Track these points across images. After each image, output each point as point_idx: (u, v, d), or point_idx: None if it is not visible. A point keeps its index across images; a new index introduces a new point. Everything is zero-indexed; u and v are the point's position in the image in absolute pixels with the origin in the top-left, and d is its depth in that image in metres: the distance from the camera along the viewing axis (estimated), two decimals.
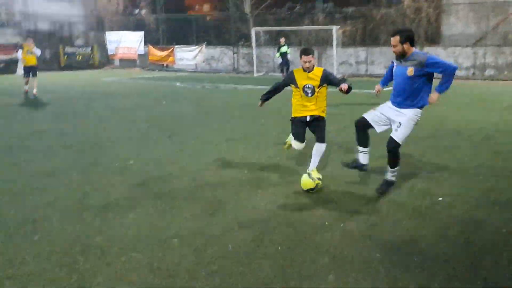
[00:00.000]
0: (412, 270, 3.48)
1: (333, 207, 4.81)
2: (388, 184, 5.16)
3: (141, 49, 29.99)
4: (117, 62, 31.47)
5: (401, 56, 4.87)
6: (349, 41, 24.23)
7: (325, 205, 4.89)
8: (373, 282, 3.31)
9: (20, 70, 24.07)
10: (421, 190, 5.34)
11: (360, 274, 3.43)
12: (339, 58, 23.19)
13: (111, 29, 31.88)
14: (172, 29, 30.14)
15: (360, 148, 5.27)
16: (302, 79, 5.45)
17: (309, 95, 5.41)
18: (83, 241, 4.04)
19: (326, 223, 4.40)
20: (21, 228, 4.33)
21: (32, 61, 14.95)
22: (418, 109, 4.96)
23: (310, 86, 5.39)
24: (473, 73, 21.06)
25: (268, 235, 4.13)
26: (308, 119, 5.49)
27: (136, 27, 31.18)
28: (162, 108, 12.57)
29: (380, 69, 22.87)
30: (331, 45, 22.83)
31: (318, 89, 5.40)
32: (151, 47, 29.32)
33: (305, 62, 5.38)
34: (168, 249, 3.88)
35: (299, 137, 5.49)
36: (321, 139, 5.49)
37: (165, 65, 29.30)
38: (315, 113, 5.47)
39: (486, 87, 17.70)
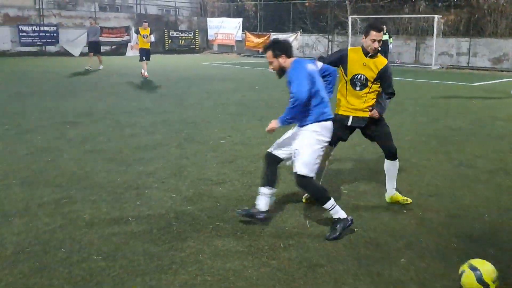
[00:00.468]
0: (487, 260, 3.49)
1: (413, 197, 4.86)
2: (337, 224, 3.91)
3: (239, 35, 30.90)
4: (215, 47, 32.72)
5: (283, 72, 4.02)
6: (451, 31, 22.99)
7: (405, 194, 4.95)
8: (445, 268, 3.39)
9: (130, 52, 26.02)
10: (510, 186, 5.18)
11: (432, 260, 3.52)
12: (439, 48, 22.13)
13: (213, 15, 33.19)
14: (270, 16, 30.66)
15: (262, 189, 4.12)
16: (356, 65, 4.32)
17: (357, 88, 4.35)
18: (177, 208, 4.52)
19: (404, 210, 4.49)
20: (126, 193, 4.93)
21: (147, 45, 16.05)
22: (312, 124, 3.94)
23: (362, 77, 4.29)
24: None
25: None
26: (350, 121, 4.45)
27: (236, 14, 32.16)
28: (255, 93, 13.03)
29: (483, 62, 21.50)
30: (431, 34, 21.86)
31: (371, 84, 4.32)
32: (248, 34, 30.12)
33: (374, 41, 4.24)
34: (251, 221, 4.22)
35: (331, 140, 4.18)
36: (390, 154, 4.46)
37: (260, 51, 29.93)
38: (362, 114, 4.40)
39: None
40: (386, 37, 19.97)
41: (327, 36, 27.25)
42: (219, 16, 32.91)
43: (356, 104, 4.40)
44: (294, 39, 27.79)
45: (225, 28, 31.52)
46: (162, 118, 8.96)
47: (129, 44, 27.26)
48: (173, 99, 11.52)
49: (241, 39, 30.80)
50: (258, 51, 29.93)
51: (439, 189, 5.11)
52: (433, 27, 21.62)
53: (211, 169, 5.79)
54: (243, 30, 30.71)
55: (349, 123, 4.47)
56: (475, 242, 3.83)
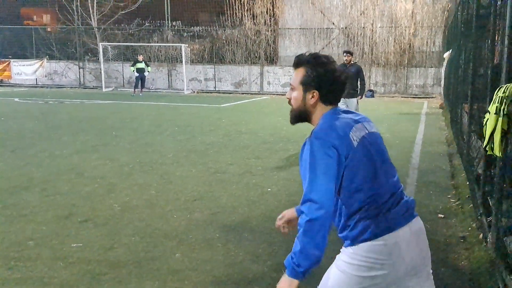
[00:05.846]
0: (243, 242, 4.29)
1: (181, 202, 5.45)
2: None
3: None
4: None
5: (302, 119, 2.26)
6: (197, 59, 25.32)
7: (173, 201, 5.50)
8: (212, 254, 4.03)
9: None
10: (255, 184, 6.29)
11: (202, 250, 4.13)
12: (188, 75, 24.08)
13: None
14: (8, 41, 28.04)
15: None
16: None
17: None
18: None
19: (175, 216, 5.03)
20: None
21: None
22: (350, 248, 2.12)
23: None
24: None
25: (121, 229, 4.61)
26: None
27: None
28: (0, 124, 11.91)
29: (227, 86, 24.36)
30: (181, 62, 23.68)
31: None
32: None
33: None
34: (25, 250, 4.11)
35: None
36: None
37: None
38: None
39: None
40: (142, 65, 20.83)
41: (77, 63, 26.50)
42: None
43: None
44: (40, 66, 26.11)
45: None
46: None
47: None
48: None
49: None
50: None
51: (201, 193, 5.83)
52: (181, 55, 23.43)
53: None
54: None
55: None
56: (233, 230, 4.60)
